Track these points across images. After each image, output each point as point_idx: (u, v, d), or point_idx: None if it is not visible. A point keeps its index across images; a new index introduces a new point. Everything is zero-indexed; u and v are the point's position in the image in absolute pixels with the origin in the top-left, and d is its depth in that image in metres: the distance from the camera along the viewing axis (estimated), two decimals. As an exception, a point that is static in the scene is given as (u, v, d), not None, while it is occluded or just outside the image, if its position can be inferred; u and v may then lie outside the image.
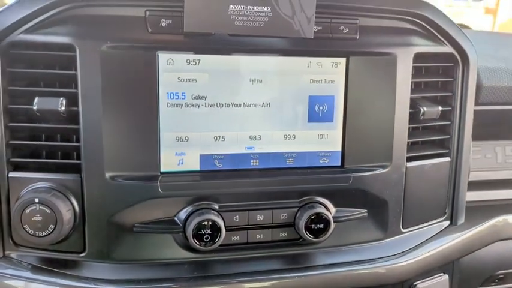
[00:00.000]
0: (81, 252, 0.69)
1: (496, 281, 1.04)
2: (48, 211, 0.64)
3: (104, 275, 0.68)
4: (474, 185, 0.98)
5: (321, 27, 0.72)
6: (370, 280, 0.75)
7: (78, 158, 0.67)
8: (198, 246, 0.68)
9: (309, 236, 0.72)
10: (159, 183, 0.68)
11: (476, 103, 0.87)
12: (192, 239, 0.68)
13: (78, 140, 0.67)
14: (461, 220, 0.87)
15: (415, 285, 0.80)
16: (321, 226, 0.73)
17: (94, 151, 0.66)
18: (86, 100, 0.65)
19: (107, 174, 0.67)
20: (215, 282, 0.69)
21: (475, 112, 0.85)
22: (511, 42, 1.45)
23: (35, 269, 0.68)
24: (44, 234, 0.64)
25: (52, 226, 0.64)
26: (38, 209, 0.64)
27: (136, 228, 0.69)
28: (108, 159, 0.67)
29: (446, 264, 0.85)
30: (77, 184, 0.67)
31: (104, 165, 0.66)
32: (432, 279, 0.82)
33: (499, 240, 0.91)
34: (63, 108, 0.65)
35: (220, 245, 0.70)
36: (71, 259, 0.69)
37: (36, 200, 0.64)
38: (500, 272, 1.00)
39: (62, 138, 0.68)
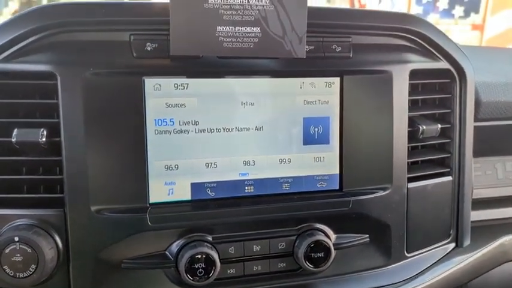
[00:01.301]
0: (65, 293, 0.64)
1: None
2: (30, 250, 0.59)
3: (90, 318, 0.63)
4: (477, 204, 0.94)
5: (313, 47, 0.70)
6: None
7: (62, 191, 0.63)
8: (191, 281, 0.64)
9: (309, 266, 0.68)
10: (148, 216, 0.64)
11: (476, 119, 0.84)
12: (184, 274, 0.63)
13: (61, 173, 0.63)
14: (467, 241, 0.83)
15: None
16: (321, 254, 0.69)
17: (78, 183, 0.62)
18: (69, 130, 0.62)
19: (93, 208, 0.63)
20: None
21: (475, 128, 0.82)
22: (502, 55, 1.44)
23: (16, 313, 0.63)
24: (25, 275, 0.60)
25: (34, 266, 0.60)
26: (18, 248, 0.59)
27: (125, 264, 0.65)
28: (93, 191, 0.63)
29: (455, 289, 0.81)
30: (60, 219, 0.63)
31: (89, 198, 0.63)
32: (440, 306, 0.78)
33: (508, 261, 0.87)
34: (44, 139, 0.61)
35: (215, 279, 0.66)
36: (55, 301, 0.64)
37: (16, 239, 0.59)
38: (509, 293, 0.96)
39: (43, 171, 0.64)
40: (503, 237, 0.87)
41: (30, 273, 0.60)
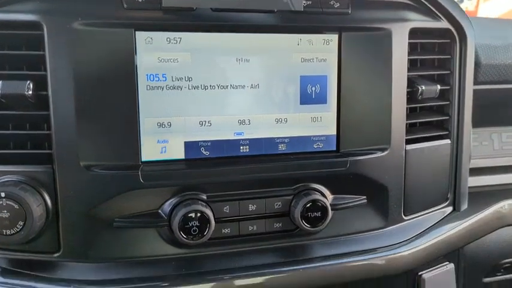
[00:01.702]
0: (55, 252, 0.62)
1: (502, 270, 0.99)
2: (16, 206, 0.57)
3: (82, 276, 0.62)
4: (474, 171, 0.93)
5: (310, 2, 0.67)
6: (372, 271, 0.70)
7: (50, 147, 0.61)
8: (185, 240, 0.62)
9: (305, 226, 0.67)
10: (140, 173, 0.62)
11: (475, 82, 0.82)
12: (178, 232, 0.62)
13: (48, 128, 0.61)
14: (464, 206, 0.82)
15: (420, 275, 0.75)
16: (318, 214, 0.67)
17: (66, 139, 0.60)
18: (56, 83, 0.59)
19: (82, 164, 0.61)
20: (206, 279, 0.64)
21: (474, 92, 0.81)
22: (501, 23, 1.42)
23: (4, 272, 0.61)
24: (12, 232, 0.58)
25: (21, 223, 0.58)
26: (4, 204, 0.57)
27: (117, 223, 0.63)
28: (82, 147, 0.60)
29: (451, 253, 0.80)
30: (49, 176, 0.61)
31: (78, 154, 0.60)
32: (437, 268, 0.77)
33: (504, 226, 0.87)
34: (30, 92, 0.59)
35: (210, 239, 0.64)
36: (45, 259, 0.62)
37: (3, 195, 0.57)
38: (506, 260, 0.96)
39: (31, 127, 0.62)
40: (500, 202, 0.86)
41: (18, 230, 0.58)
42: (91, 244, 0.63)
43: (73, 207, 0.61)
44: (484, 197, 0.88)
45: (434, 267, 0.77)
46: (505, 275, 1.00)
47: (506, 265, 0.97)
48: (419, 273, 0.75)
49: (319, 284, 0.67)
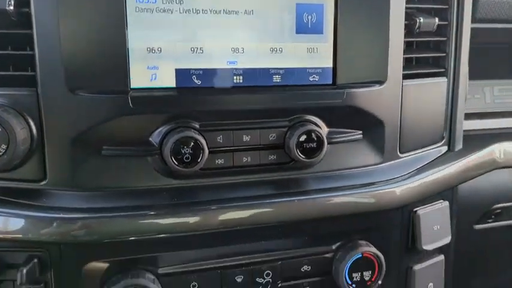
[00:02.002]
0: (41, 180, 0.60)
1: (493, 217, 0.99)
2: (-1, 128, 0.54)
3: (70, 205, 0.59)
4: (468, 116, 0.92)
5: None
6: (367, 205, 0.69)
7: (33, 69, 0.57)
8: (177, 167, 0.60)
9: (300, 157, 0.65)
10: (129, 97, 0.59)
11: (473, 20, 0.80)
12: (170, 159, 0.59)
13: (32, 48, 0.57)
14: (459, 146, 0.81)
15: (415, 211, 0.74)
16: (314, 145, 0.65)
17: (51, 60, 0.57)
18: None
19: (68, 87, 0.57)
20: (198, 209, 0.62)
21: (472, 32, 0.79)
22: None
23: (-12, 200, 0.58)
24: (-6, 156, 0.55)
25: (4, 146, 0.55)
26: (-14, 126, 0.54)
27: (105, 151, 0.60)
28: (68, 69, 0.57)
29: (446, 191, 0.79)
30: (33, 99, 0.57)
31: (64, 76, 0.57)
32: (432, 205, 0.76)
33: (497, 169, 0.86)
34: (12, 8, 0.55)
35: (202, 169, 0.62)
36: (31, 188, 0.59)
37: (-16, 116, 0.54)
38: (497, 206, 0.96)
39: (13, 47, 0.58)
40: (494, 144, 0.85)
41: (1, 153, 0.55)
42: (78, 172, 0.60)
43: (59, 133, 0.58)
44: (478, 139, 0.87)
45: (429, 204, 0.76)
46: (495, 222, 1.01)
47: (497, 211, 0.97)
48: (415, 210, 0.74)
49: (313, 216, 0.66)
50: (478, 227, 1.00)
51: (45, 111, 0.58)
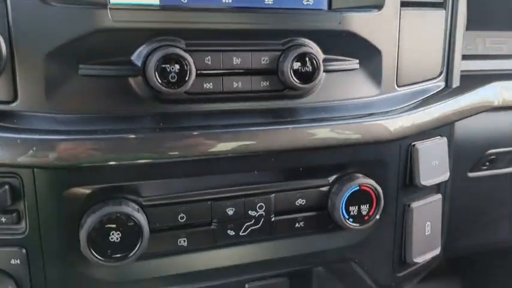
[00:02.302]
0: (12, 101, 0.54)
1: (487, 163, 0.97)
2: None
3: (44, 127, 0.54)
4: (464, 57, 0.89)
5: None
6: (363, 137, 0.65)
7: (-1, -26, 0.52)
8: (161, 86, 0.55)
9: (294, 81, 0.61)
10: (109, 10, 0.54)
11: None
12: (154, 77, 0.54)
13: (-3, -48, 0.51)
14: (457, 83, 0.78)
15: (413, 145, 0.71)
16: (309, 69, 0.61)
17: (19, -35, 0.51)
18: None
19: (39, -4, 0.52)
20: (185, 135, 0.57)
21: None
22: None
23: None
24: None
25: (-32, 58, 0.49)
26: None
27: (82, 70, 0.55)
28: (38, -25, 0.52)
29: (444, 128, 0.76)
30: (1, 11, 0.52)
31: (34, -17, 0.52)
32: (431, 140, 0.73)
33: (494, 109, 0.84)
34: None
35: (189, 93, 0.58)
36: (0, 109, 0.54)
37: None
38: (491, 151, 0.94)
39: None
40: (491, 83, 0.82)
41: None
42: (53, 93, 0.55)
43: (30, 49, 0.53)
44: (474, 79, 0.84)
45: (427, 139, 0.73)
46: (489, 169, 0.99)
47: (492, 157, 0.95)
48: (413, 144, 0.71)
49: (307, 145, 0.62)
50: (472, 174, 0.98)
51: (14, 24, 0.52)
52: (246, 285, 0.76)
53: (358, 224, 0.66)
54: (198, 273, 0.62)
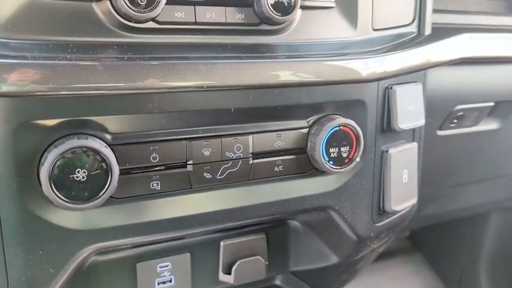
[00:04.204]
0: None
1: (455, 121, 0.98)
2: None
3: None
4: (434, 11, 0.90)
5: None
6: (341, 75, 0.63)
7: None
8: (128, 9, 0.50)
9: (271, 12, 0.57)
10: None
11: None
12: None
13: None
14: (428, 30, 0.78)
15: (391, 87, 0.70)
16: (286, 2, 0.58)
17: None
18: None
19: None
20: (154, 65, 0.51)
21: None
22: None
23: None
24: None
25: None
26: None
27: None
28: None
29: (418, 75, 0.76)
30: None
31: None
32: (407, 84, 0.72)
33: (464, 60, 0.84)
34: None
35: (159, 22, 0.53)
36: None
37: None
38: (460, 107, 0.94)
39: None
40: (461, 34, 0.82)
41: None
42: (5, 17, 0.48)
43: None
44: (446, 30, 0.84)
45: (404, 83, 0.72)
46: (457, 128, 1.00)
47: (459, 113, 0.96)
48: (390, 86, 0.70)
49: (284, 81, 0.58)
50: (440, 133, 0.99)
51: None
52: (221, 243, 0.73)
53: (338, 167, 0.64)
54: (172, 221, 0.58)
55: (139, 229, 0.56)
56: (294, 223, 0.77)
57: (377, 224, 0.74)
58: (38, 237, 0.51)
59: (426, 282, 1.83)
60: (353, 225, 0.71)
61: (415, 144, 0.76)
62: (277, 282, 1.04)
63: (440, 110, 0.93)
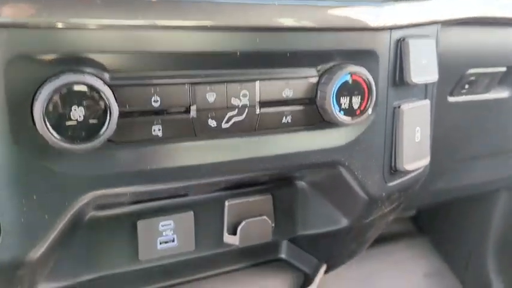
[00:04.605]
0: None
1: (466, 87, 0.95)
2: None
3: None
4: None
5: None
6: (352, 22, 0.60)
7: None
8: None
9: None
10: None
11: None
12: None
13: None
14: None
15: (404, 39, 0.66)
16: None
17: None
18: None
19: None
20: (158, 1, 0.49)
21: None
22: None
23: None
24: None
25: None
26: None
27: None
28: None
29: (431, 29, 0.72)
30: None
31: None
32: (420, 37, 0.69)
33: (478, 20, 0.81)
34: None
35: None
36: None
37: None
38: (472, 71, 0.91)
39: None
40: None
41: None
42: None
43: None
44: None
45: (416, 36, 0.68)
46: (469, 94, 0.97)
47: (471, 78, 0.93)
48: (403, 38, 0.66)
49: (292, 25, 0.55)
50: (451, 99, 0.96)
51: None
52: (226, 202, 0.70)
53: (349, 118, 0.61)
54: (174, 170, 0.55)
55: (140, 177, 0.53)
56: (302, 184, 0.74)
57: (389, 184, 0.71)
58: (32, 181, 0.48)
59: (432, 265, 1.80)
60: (364, 184, 0.68)
61: (427, 102, 0.73)
62: (283, 255, 1.01)
63: (452, 74, 0.90)
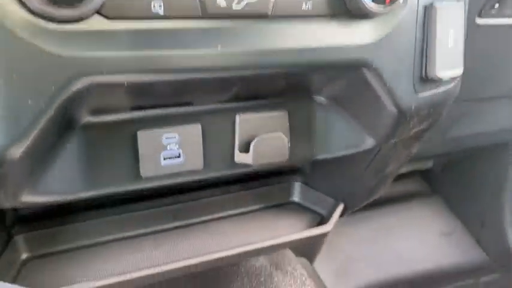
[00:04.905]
0: None
1: (496, 6, 0.86)
2: None
3: None
4: None
5: None
6: None
7: None
8: None
9: None
10: None
11: None
12: None
13: None
14: None
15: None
16: None
17: None
18: None
19: None
20: None
21: None
22: None
23: None
24: None
25: None
26: None
27: None
28: None
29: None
30: None
31: None
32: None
33: None
34: None
35: None
36: None
37: None
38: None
39: None
40: None
41: None
42: None
43: None
44: None
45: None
46: (499, 16, 0.88)
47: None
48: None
49: None
50: (480, 21, 0.87)
51: None
52: (237, 117, 0.62)
53: (378, 5, 0.53)
54: (176, 58, 0.47)
55: (136, 61, 0.45)
56: (320, 99, 0.66)
57: (419, 95, 0.63)
58: (11, 57, 0.41)
59: (447, 224, 1.74)
60: (392, 91, 0.60)
61: (462, 3, 0.65)
62: (295, 198, 0.95)
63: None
